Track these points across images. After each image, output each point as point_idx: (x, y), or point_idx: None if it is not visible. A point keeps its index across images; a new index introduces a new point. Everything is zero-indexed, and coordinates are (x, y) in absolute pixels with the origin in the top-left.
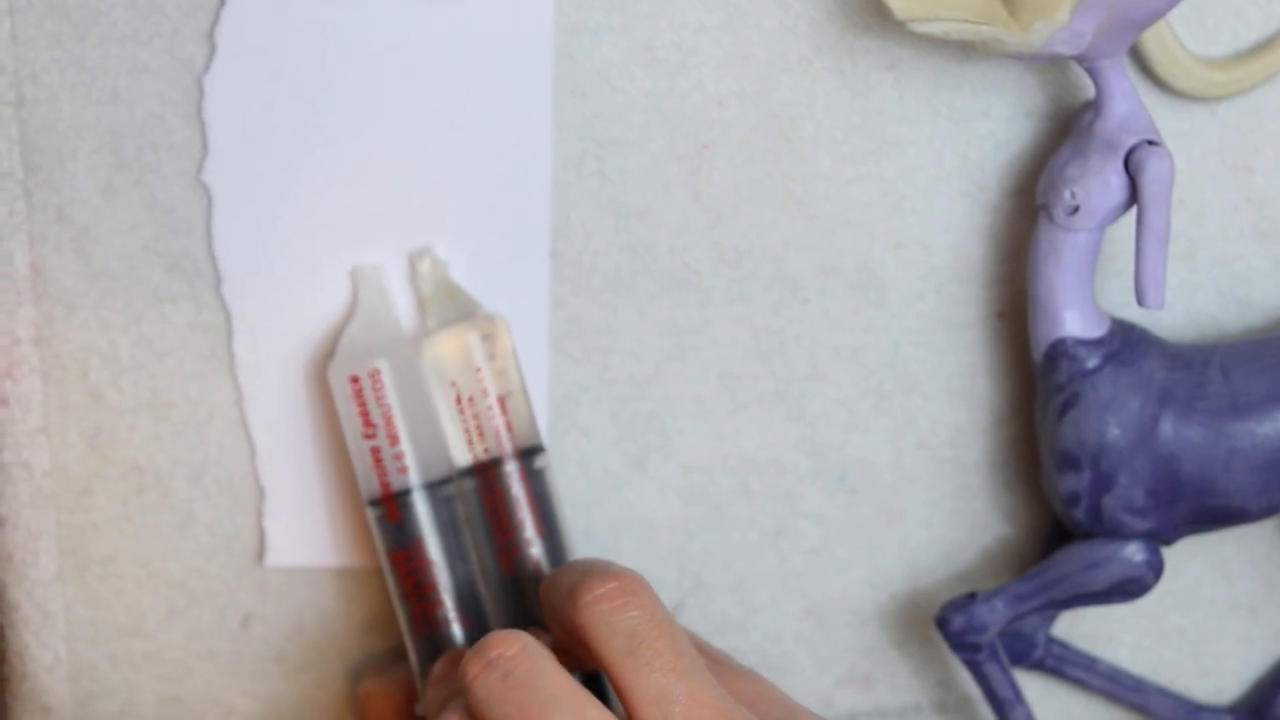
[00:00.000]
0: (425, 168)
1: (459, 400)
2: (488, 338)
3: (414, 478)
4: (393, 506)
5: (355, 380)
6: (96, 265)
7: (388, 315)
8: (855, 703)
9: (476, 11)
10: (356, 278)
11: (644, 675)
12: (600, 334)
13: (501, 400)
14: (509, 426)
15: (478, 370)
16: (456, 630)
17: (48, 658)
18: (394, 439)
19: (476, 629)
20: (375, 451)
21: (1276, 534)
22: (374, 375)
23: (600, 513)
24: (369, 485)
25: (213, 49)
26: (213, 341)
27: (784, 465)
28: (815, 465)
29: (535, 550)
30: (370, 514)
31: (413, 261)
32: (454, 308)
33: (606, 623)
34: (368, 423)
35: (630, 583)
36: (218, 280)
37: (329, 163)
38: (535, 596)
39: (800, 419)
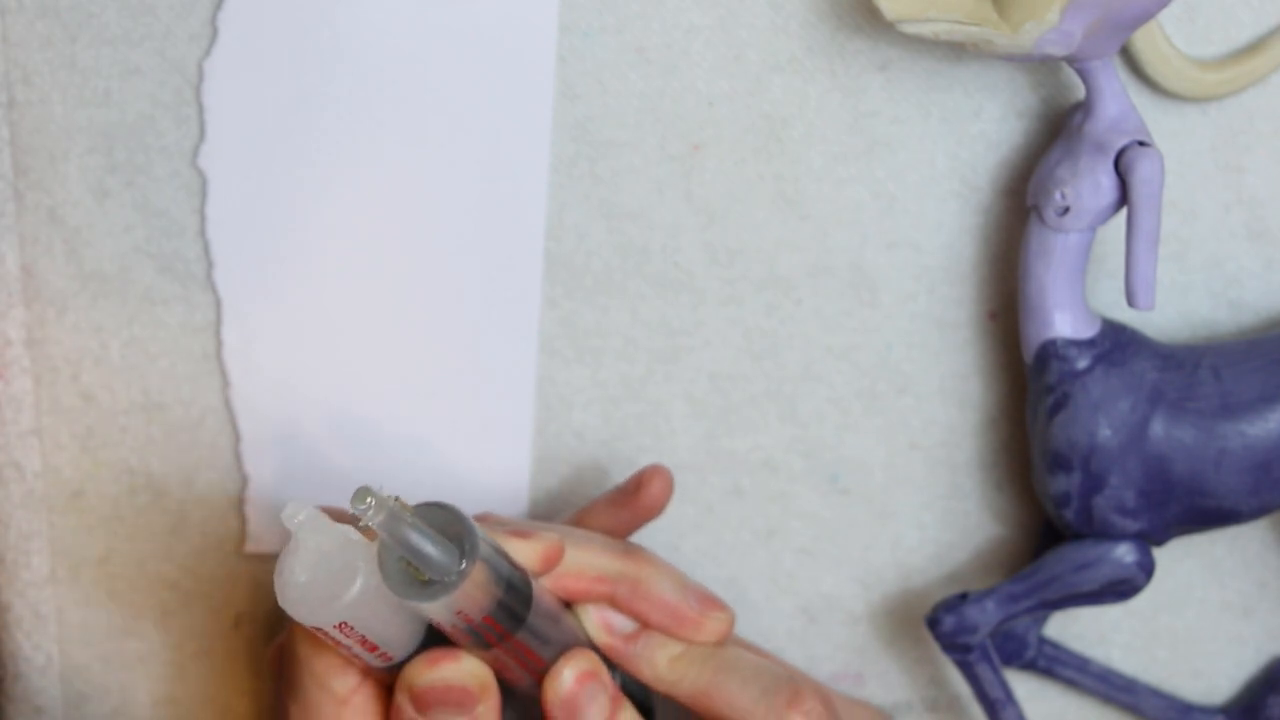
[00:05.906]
0: (421, 166)
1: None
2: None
3: None
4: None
5: (341, 627)
6: (88, 267)
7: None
8: None
9: (479, 9)
10: (292, 525)
11: None
12: (592, 335)
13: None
14: (486, 603)
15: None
16: None
17: (40, 659)
18: (385, 657)
19: None
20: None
21: (1268, 534)
22: (342, 627)
23: None
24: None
25: (214, 34)
26: (204, 343)
27: (776, 465)
28: (807, 465)
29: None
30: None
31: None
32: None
33: None
34: (368, 646)
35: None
36: (209, 267)
37: (324, 154)
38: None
39: (792, 419)
